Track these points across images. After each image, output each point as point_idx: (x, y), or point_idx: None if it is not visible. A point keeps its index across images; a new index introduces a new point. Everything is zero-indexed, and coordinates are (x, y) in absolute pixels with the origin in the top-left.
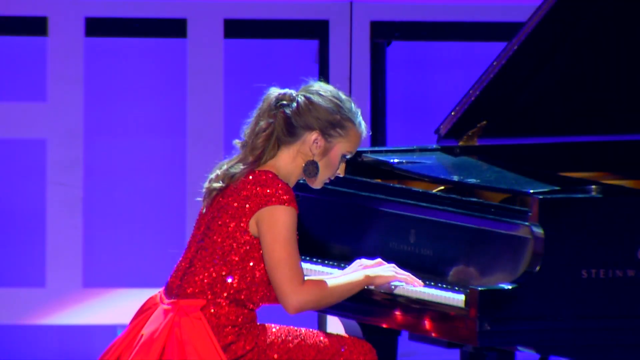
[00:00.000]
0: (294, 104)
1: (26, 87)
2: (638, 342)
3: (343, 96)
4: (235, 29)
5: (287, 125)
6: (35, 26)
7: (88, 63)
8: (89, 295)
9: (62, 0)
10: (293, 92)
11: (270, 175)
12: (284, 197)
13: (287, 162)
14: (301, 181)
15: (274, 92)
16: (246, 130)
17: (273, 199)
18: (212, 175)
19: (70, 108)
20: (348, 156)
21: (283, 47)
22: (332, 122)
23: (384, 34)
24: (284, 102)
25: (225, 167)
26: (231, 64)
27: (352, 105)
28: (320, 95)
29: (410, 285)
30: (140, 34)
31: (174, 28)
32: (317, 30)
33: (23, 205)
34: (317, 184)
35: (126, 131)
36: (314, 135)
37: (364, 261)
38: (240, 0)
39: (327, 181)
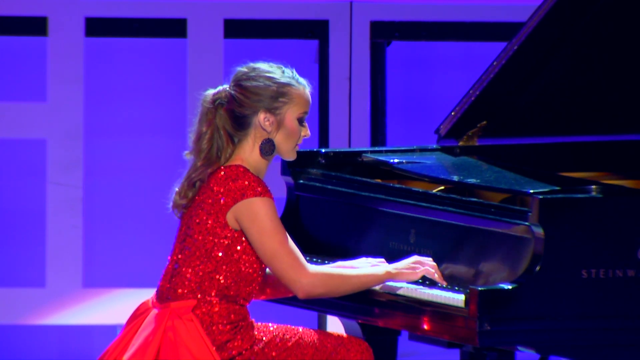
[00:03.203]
0: (231, 98)
1: (26, 87)
2: (638, 342)
3: (273, 66)
4: (235, 29)
5: (234, 120)
6: (35, 26)
7: (88, 63)
8: (89, 295)
9: (62, 0)
10: (226, 86)
11: (242, 169)
12: (258, 189)
13: (249, 152)
14: (300, 181)
15: (209, 93)
16: (191, 138)
17: (248, 192)
18: (176, 192)
19: (70, 108)
20: (304, 116)
21: (283, 47)
22: (272, 95)
23: (384, 34)
24: (221, 101)
25: (184, 182)
26: (231, 64)
27: (285, 69)
28: (249, 77)
29: (412, 284)
30: (140, 34)
31: (174, 28)
32: (317, 30)
33: (23, 205)
34: (287, 156)
35: (126, 131)
36: (261, 116)
37: (370, 260)
38: (240, 0)
39: (298, 148)
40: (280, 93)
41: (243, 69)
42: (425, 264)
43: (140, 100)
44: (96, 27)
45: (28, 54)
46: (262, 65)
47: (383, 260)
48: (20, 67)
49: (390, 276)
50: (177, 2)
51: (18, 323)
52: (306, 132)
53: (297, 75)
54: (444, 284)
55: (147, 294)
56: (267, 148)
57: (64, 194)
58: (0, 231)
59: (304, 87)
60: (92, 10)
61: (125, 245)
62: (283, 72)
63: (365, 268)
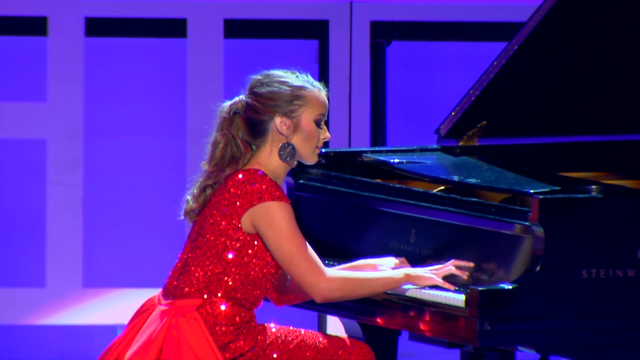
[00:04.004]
0: (247, 107)
1: (26, 87)
2: (638, 342)
3: (286, 72)
4: (235, 29)
5: (250, 127)
6: (35, 26)
7: (88, 63)
8: (88, 295)
9: (62, 0)
10: (242, 96)
11: (260, 173)
12: (276, 193)
13: (267, 158)
14: (300, 181)
15: (226, 104)
16: (208, 148)
17: (265, 196)
18: (187, 200)
19: (70, 108)
20: (322, 119)
21: (283, 47)
22: (287, 98)
23: (384, 34)
24: (237, 110)
25: (196, 189)
26: (231, 64)
27: (297, 74)
28: (263, 84)
29: (412, 285)
30: (140, 34)
31: (174, 28)
32: (317, 30)
33: (23, 205)
34: (308, 159)
35: (126, 131)
36: (278, 120)
37: (394, 259)
38: (240, 0)
39: (319, 151)
40: (295, 96)
41: (257, 76)
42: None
43: (140, 100)
44: (96, 27)
45: (28, 54)
46: (276, 71)
47: (404, 260)
48: (20, 67)
49: (409, 279)
50: (177, 2)
51: (18, 323)
52: (325, 134)
53: (312, 79)
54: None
55: (147, 294)
56: (288, 152)
57: (64, 194)
58: (0, 231)
59: (319, 89)
60: (92, 10)
61: (125, 245)
62: (297, 76)
63: (382, 271)
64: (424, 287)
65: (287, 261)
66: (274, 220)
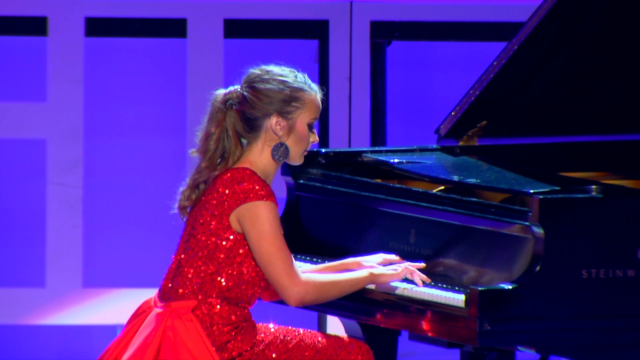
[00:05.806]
0: (243, 99)
1: (26, 87)
2: (638, 342)
3: (285, 70)
4: (235, 29)
5: (245, 121)
6: (35, 26)
7: (88, 63)
8: (88, 295)
9: (62, 0)
10: (238, 87)
11: (248, 172)
12: (261, 193)
13: (258, 156)
14: (300, 181)
15: (220, 93)
16: (199, 136)
17: (251, 195)
18: (182, 192)
19: (70, 108)
20: (314, 122)
21: (283, 47)
22: (285, 99)
23: (384, 33)
24: (232, 101)
25: (189, 182)
26: (231, 64)
27: (297, 74)
28: (263, 80)
29: (412, 285)
30: (140, 34)
31: (174, 28)
32: (317, 30)
33: (23, 205)
34: (295, 160)
35: (126, 131)
36: (273, 120)
37: (383, 255)
38: (240, 0)
39: (305, 153)
40: (293, 97)
41: (256, 70)
42: (406, 268)
43: (140, 100)
44: (96, 27)
45: (28, 54)
46: (275, 69)
47: (398, 257)
48: (20, 67)
49: (373, 277)
50: (177, 2)
51: (18, 323)
52: (315, 137)
53: (309, 81)
54: (420, 284)
55: (147, 294)
56: (282, 152)
57: (64, 194)
58: (0, 231)
59: (316, 92)
60: (92, 10)
61: (125, 245)
62: (296, 76)
63: (349, 272)
64: (399, 285)
65: (264, 261)
66: (258, 220)
